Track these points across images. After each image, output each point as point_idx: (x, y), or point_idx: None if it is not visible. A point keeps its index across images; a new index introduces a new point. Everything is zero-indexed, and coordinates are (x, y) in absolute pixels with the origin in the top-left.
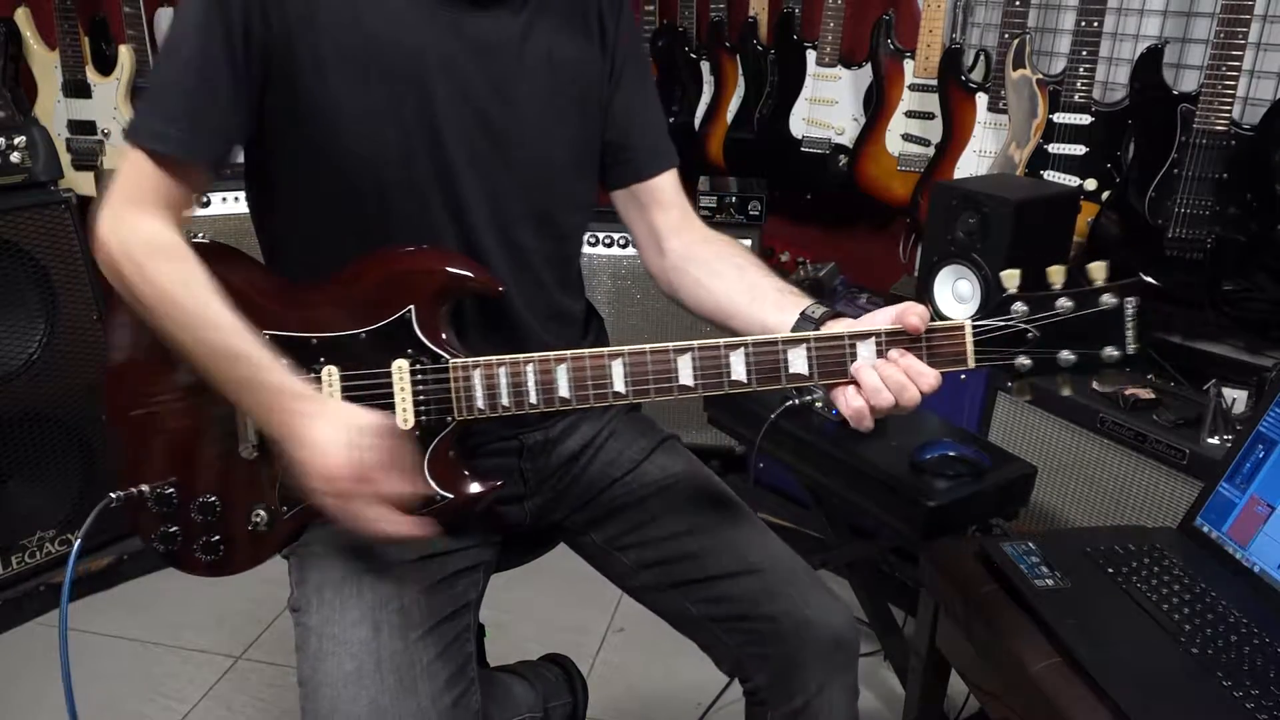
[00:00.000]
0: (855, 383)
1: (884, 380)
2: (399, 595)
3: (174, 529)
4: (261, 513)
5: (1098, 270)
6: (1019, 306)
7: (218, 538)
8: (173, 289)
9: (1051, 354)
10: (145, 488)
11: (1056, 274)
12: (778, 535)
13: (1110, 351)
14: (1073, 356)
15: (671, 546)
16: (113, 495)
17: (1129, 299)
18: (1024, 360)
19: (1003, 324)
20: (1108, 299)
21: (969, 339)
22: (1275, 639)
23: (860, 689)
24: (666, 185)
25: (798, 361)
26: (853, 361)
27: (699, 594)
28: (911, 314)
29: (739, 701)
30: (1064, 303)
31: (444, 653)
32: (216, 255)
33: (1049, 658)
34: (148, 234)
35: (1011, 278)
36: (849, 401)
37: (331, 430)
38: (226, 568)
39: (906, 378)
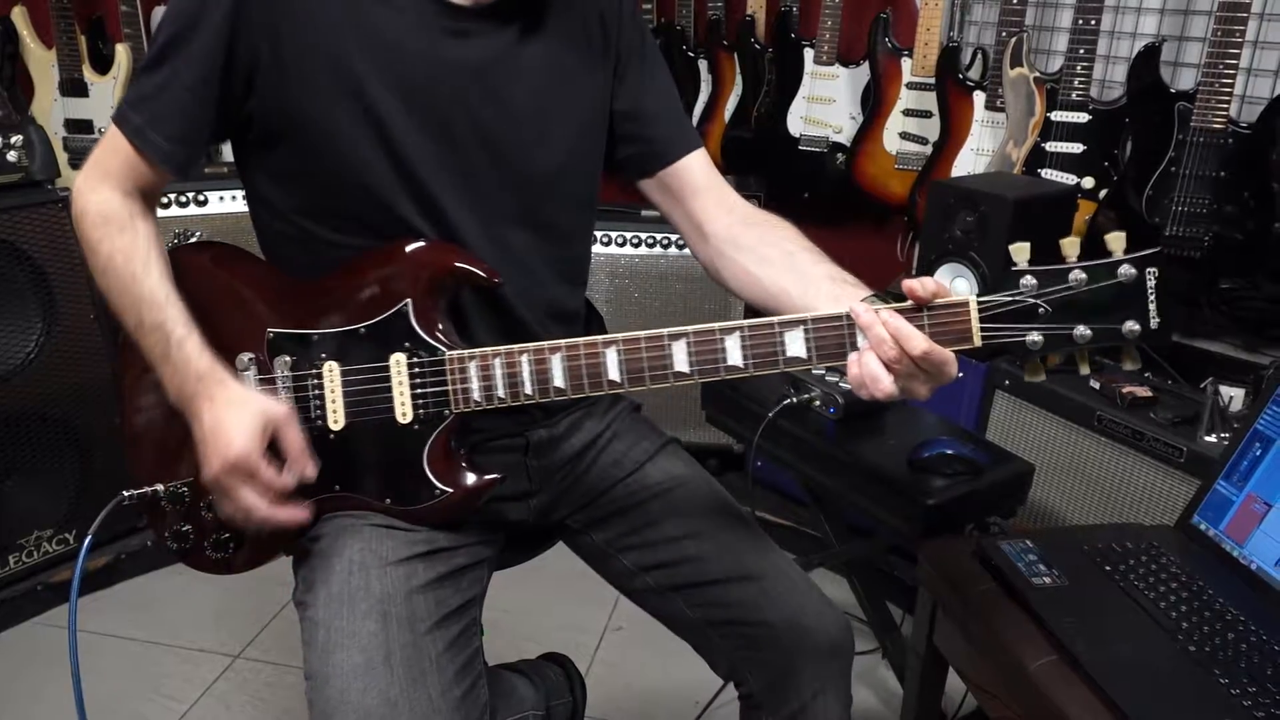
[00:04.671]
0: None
1: (880, 355)
2: (406, 589)
3: (187, 527)
4: None
5: (1115, 241)
6: (1028, 280)
7: (227, 535)
8: (112, 258)
9: (1066, 330)
10: (160, 487)
11: (1070, 246)
12: (776, 534)
13: (1132, 326)
14: (1088, 332)
15: (671, 550)
16: (126, 494)
17: (1150, 269)
18: (1035, 338)
19: (1009, 299)
20: (1126, 270)
21: (974, 315)
22: (1272, 636)
23: (859, 687)
24: (695, 168)
25: (795, 345)
26: (852, 349)
27: (697, 598)
28: (915, 281)
29: (736, 701)
30: (1077, 275)
31: (452, 646)
32: (219, 254)
33: (1046, 655)
34: (104, 204)
35: (1021, 251)
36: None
37: (226, 415)
38: (235, 565)
39: (894, 341)
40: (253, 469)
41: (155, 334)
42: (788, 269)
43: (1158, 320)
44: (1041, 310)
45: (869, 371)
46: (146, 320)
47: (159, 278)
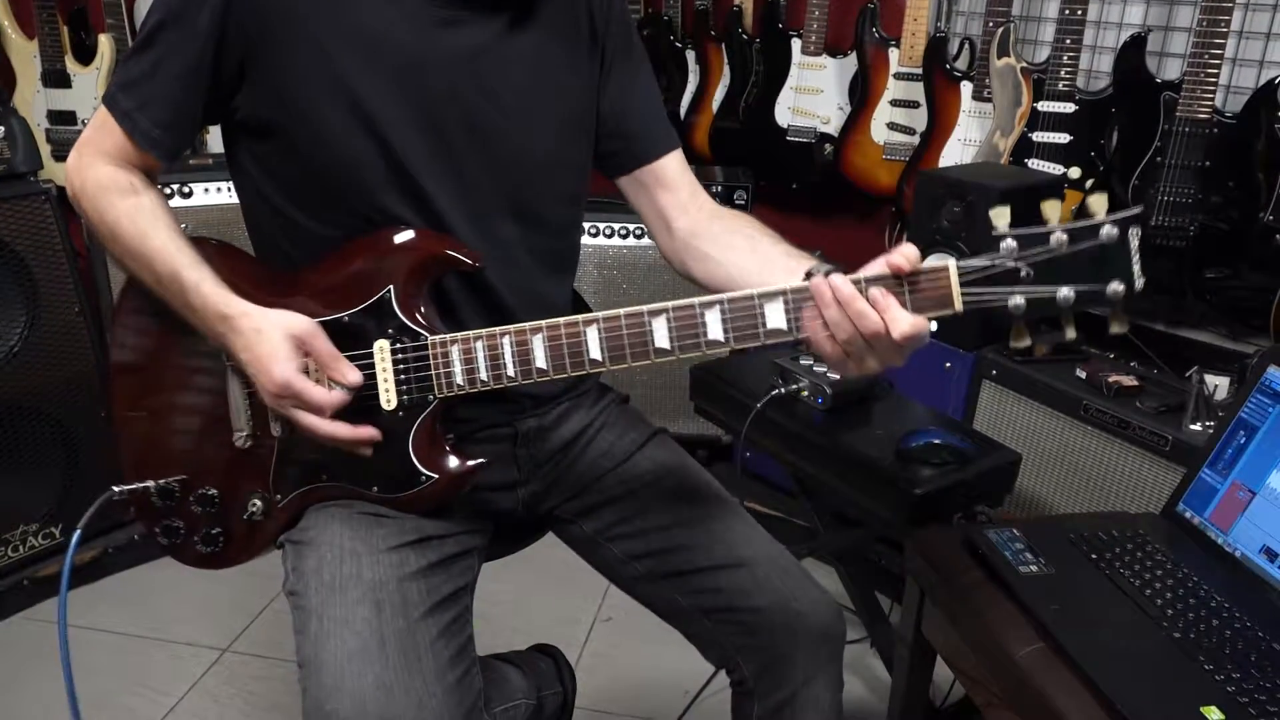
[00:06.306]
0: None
1: (843, 306)
2: (398, 576)
3: (177, 522)
4: (257, 502)
5: (1097, 204)
6: (1008, 244)
7: (217, 529)
8: (118, 221)
9: (1049, 293)
10: (151, 483)
11: (1052, 209)
12: (765, 524)
13: (1116, 286)
14: (1071, 294)
15: (661, 538)
16: (115, 489)
17: (1133, 229)
18: (1018, 301)
19: (990, 262)
20: (1109, 230)
21: (954, 279)
22: (1255, 623)
23: (847, 676)
24: (670, 166)
25: (775, 316)
26: None
27: (688, 585)
28: (897, 254)
29: (726, 690)
30: (1059, 237)
31: (445, 632)
32: (203, 248)
33: (1033, 643)
34: (101, 176)
35: (1001, 215)
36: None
37: (257, 347)
38: (225, 559)
39: (873, 310)
40: (297, 392)
41: (173, 284)
42: (749, 252)
43: (1142, 280)
44: (1023, 273)
45: (822, 297)
46: (161, 272)
47: (167, 231)
